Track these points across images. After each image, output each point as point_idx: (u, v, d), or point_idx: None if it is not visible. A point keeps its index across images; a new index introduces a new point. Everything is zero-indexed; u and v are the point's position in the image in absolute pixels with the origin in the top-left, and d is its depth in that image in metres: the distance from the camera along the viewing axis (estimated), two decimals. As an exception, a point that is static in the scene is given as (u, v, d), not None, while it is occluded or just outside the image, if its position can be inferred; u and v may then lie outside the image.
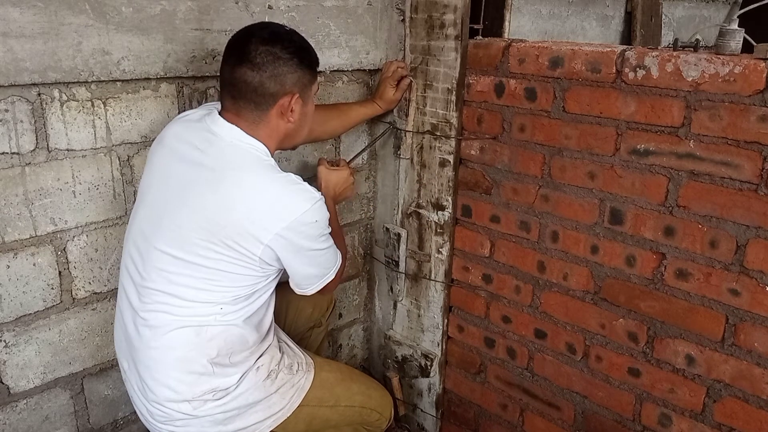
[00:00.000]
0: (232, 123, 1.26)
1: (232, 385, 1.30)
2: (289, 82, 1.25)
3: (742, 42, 1.24)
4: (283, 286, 1.44)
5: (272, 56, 1.22)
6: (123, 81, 1.37)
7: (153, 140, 1.36)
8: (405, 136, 1.79)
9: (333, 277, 1.39)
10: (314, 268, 1.35)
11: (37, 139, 1.30)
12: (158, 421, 1.30)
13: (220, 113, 1.29)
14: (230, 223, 1.20)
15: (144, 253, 1.27)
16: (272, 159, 1.28)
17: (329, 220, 1.32)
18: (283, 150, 1.45)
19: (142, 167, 1.40)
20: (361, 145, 1.92)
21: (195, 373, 1.26)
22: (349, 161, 1.69)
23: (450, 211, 1.74)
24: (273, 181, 1.23)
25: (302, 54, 1.27)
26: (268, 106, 1.25)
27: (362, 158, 1.94)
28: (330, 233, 1.34)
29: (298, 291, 1.39)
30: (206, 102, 1.51)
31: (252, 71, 1.22)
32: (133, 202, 1.39)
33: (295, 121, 1.30)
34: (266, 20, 1.49)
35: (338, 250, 1.41)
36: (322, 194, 1.28)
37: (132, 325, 1.29)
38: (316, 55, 1.32)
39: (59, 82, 1.27)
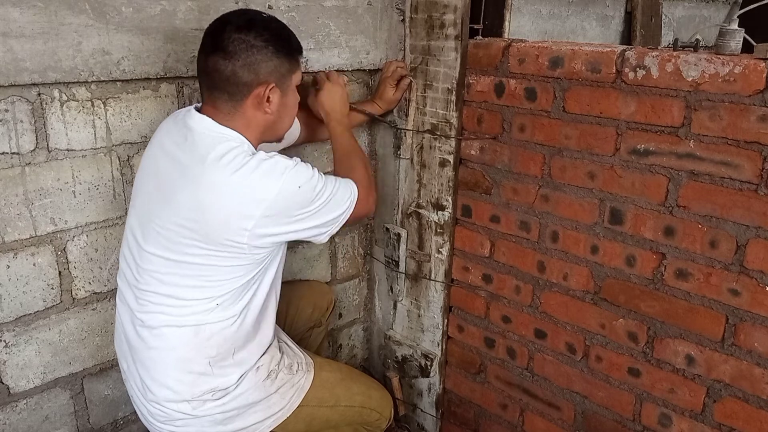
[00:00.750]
0: (207, 115, 1.22)
1: (232, 385, 1.30)
2: (263, 71, 1.21)
3: (742, 42, 1.24)
4: (282, 286, 1.44)
5: (245, 44, 1.18)
6: (123, 81, 1.37)
7: (153, 140, 1.36)
8: (405, 136, 1.79)
9: (352, 209, 1.32)
10: (321, 218, 1.28)
11: (37, 139, 1.30)
12: (158, 421, 1.31)
13: (198, 106, 1.26)
14: (208, 219, 1.17)
15: (136, 256, 1.26)
16: (246, 144, 1.22)
17: (341, 146, 1.32)
18: (270, 142, 1.40)
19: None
20: (362, 144, 1.92)
21: (194, 373, 1.26)
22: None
23: (450, 211, 1.74)
24: (241, 166, 1.17)
25: (279, 42, 1.22)
26: (243, 97, 1.21)
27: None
28: (325, 188, 1.26)
29: (315, 242, 1.33)
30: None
31: (225, 60, 1.18)
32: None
33: (273, 112, 1.25)
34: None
35: (350, 183, 1.33)
36: (298, 160, 1.23)
37: (131, 326, 1.29)
38: (297, 43, 1.28)
39: (59, 82, 1.27)
